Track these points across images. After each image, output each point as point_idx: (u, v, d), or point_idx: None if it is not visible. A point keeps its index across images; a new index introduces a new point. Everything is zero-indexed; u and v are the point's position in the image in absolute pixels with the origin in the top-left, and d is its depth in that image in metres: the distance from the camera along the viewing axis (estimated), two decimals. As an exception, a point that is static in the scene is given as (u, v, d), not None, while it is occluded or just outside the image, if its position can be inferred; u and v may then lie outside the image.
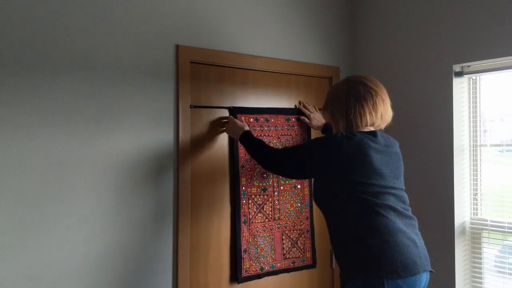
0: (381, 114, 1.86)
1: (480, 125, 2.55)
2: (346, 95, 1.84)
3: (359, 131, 1.83)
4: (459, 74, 2.54)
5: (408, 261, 1.65)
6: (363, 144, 1.75)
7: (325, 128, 2.51)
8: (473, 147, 2.57)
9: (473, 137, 2.57)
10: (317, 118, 2.59)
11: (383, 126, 1.92)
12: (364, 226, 1.72)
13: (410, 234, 1.74)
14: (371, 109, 1.82)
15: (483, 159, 2.55)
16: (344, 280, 1.77)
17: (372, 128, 1.89)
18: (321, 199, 1.91)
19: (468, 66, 2.53)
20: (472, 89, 2.58)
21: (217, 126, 2.42)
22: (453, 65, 2.53)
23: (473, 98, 2.57)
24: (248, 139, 2.18)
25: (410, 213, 1.84)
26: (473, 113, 2.57)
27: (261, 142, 2.12)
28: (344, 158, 1.75)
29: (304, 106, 2.66)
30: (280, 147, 2.59)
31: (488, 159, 2.53)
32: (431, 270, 1.77)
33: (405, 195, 1.86)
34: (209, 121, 2.40)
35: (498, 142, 2.52)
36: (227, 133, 2.39)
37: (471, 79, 2.58)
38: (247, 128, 2.27)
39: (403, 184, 1.89)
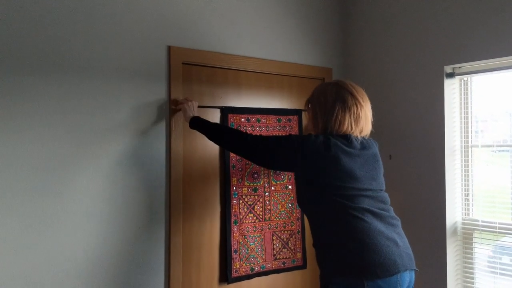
0: (362, 127, 1.88)
1: (471, 126, 2.55)
2: (333, 100, 1.85)
3: (332, 134, 1.85)
4: (451, 75, 2.55)
5: (387, 261, 1.65)
6: (336, 147, 1.77)
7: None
8: (464, 148, 2.57)
9: (464, 138, 2.57)
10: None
11: (359, 135, 1.91)
12: (341, 230, 1.73)
13: (390, 233, 1.74)
14: (352, 120, 1.85)
15: (475, 159, 2.55)
16: (325, 283, 1.78)
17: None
18: (301, 203, 1.93)
19: (459, 67, 2.54)
20: (464, 90, 2.58)
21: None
22: (445, 66, 2.54)
23: (464, 99, 2.58)
24: (201, 123, 2.10)
25: (391, 213, 1.84)
26: (464, 114, 2.57)
27: (220, 125, 2.16)
28: (315, 160, 1.78)
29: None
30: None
31: (480, 159, 2.53)
32: (415, 269, 1.76)
33: (384, 195, 1.86)
34: (200, 121, 2.40)
35: (489, 143, 2.52)
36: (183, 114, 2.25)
37: (462, 80, 2.58)
38: (194, 115, 2.18)
39: (382, 185, 1.88)
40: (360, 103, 1.87)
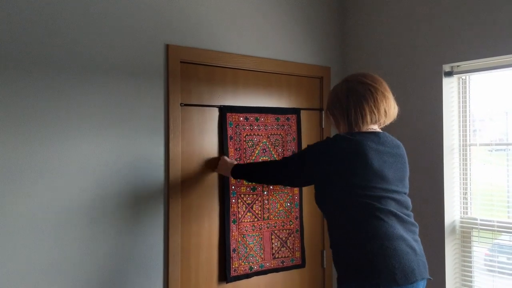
0: (384, 110, 1.78)
1: (469, 125, 2.56)
2: (346, 96, 1.78)
3: (360, 132, 1.77)
4: (449, 74, 2.55)
5: (407, 269, 1.60)
6: (362, 145, 1.68)
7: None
8: (463, 146, 2.57)
9: (462, 137, 2.57)
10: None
11: (388, 121, 1.84)
12: (363, 231, 1.65)
13: (410, 241, 1.68)
14: (373, 107, 1.75)
15: (473, 158, 2.55)
16: (339, 285, 1.72)
17: (376, 127, 1.82)
18: (321, 202, 1.83)
19: (457, 66, 2.54)
20: (462, 89, 2.59)
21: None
22: (443, 65, 2.54)
23: (462, 98, 2.58)
24: (240, 169, 2.20)
25: (411, 219, 1.77)
26: (462, 113, 2.58)
27: (252, 164, 2.17)
28: (340, 161, 1.69)
29: None
30: (269, 146, 2.59)
31: (478, 158, 2.53)
32: (429, 277, 1.72)
33: (408, 200, 1.79)
34: (199, 120, 2.39)
35: (487, 142, 2.52)
36: (218, 172, 2.39)
37: (461, 79, 2.59)
38: (235, 162, 2.32)
39: (407, 188, 1.81)
40: (373, 86, 1.77)
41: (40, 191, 1.90)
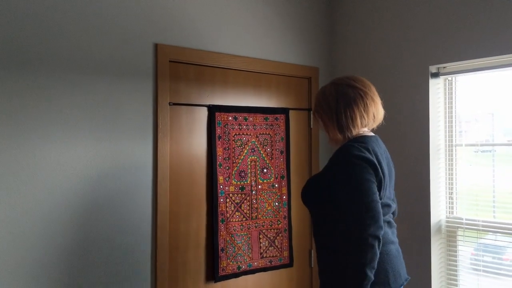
0: (373, 114, 1.76)
1: (455, 125, 2.59)
2: (335, 100, 1.72)
3: (365, 136, 1.73)
4: (435, 75, 2.58)
5: (396, 272, 1.62)
6: (376, 152, 1.65)
7: None
8: (448, 147, 2.60)
9: (448, 137, 2.60)
10: None
11: (375, 126, 1.83)
12: None
13: (397, 244, 1.70)
14: (362, 111, 1.72)
15: (459, 158, 2.59)
16: None
17: (366, 129, 1.79)
18: (321, 207, 1.72)
19: (444, 67, 2.57)
20: (448, 90, 2.62)
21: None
22: (430, 66, 2.57)
23: (448, 99, 2.61)
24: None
25: (394, 220, 1.77)
26: (448, 114, 2.61)
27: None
28: (371, 172, 1.60)
29: None
30: (258, 145, 2.60)
31: (464, 158, 2.57)
32: (409, 277, 1.74)
33: (394, 204, 1.77)
34: (188, 119, 2.39)
35: (473, 142, 2.55)
36: None
37: (447, 80, 2.62)
38: None
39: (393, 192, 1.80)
40: (363, 90, 1.74)
41: (21, 196, 1.89)
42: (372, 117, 1.76)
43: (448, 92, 2.62)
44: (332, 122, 1.74)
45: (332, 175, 1.65)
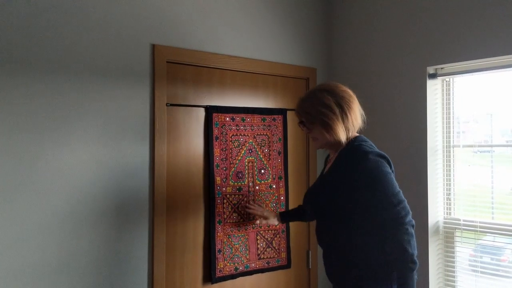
0: (362, 115, 1.87)
1: (453, 126, 2.59)
2: (337, 104, 1.78)
3: (367, 140, 1.83)
4: (433, 76, 2.57)
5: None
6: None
7: (284, 215, 2.39)
8: (446, 148, 2.60)
9: (446, 138, 2.60)
10: (269, 213, 2.39)
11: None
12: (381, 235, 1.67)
13: None
14: (358, 112, 1.84)
15: (456, 159, 2.58)
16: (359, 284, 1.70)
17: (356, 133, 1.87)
18: (343, 208, 1.74)
19: (441, 68, 2.57)
20: (446, 91, 2.62)
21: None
22: (427, 67, 2.56)
23: (446, 100, 2.61)
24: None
25: None
26: (446, 114, 2.61)
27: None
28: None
29: (252, 208, 2.45)
30: (256, 146, 2.59)
31: (462, 159, 2.56)
32: None
33: None
34: (186, 120, 2.39)
35: (471, 143, 2.55)
36: None
37: (445, 81, 2.62)
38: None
39: None
40: (352, 95, 1.85)
41: (21, 198, 1.88)
42: (361, 117, 1.86)
43: (446, 93, 2.61)
44: (338, 125, 1.77)
45: (350, 176, 1.70)
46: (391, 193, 1.65)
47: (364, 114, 1.87)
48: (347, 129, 1.79)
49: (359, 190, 1.68)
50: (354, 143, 1.78)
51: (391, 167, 1.73)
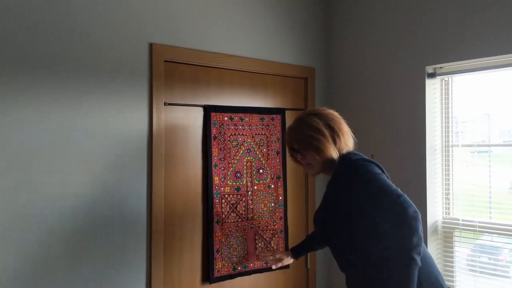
0: (352, 136, 1.87)
1: (452, 126, 2.58)
2: (327, 126, 1.78)
3: (349, 151, 1.82)
4: (432, 75, 2.57)
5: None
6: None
7: (296, 251, 2.27)
8: (445, 147, 2.59)
9: (445, 138, 2.59)
10: (282, 255, 2.28)
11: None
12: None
13: None
14: (348, 133, 1.84)
15: (455, 159, 2.58)
16: None
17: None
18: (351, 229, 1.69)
19: (440, 67, 2.56)
20: (444, 90, 2.61)
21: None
22: (426, 67, 2.56)
23: (445, 99, 2.61)
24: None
25: None
26: (445, 114, 2.60)
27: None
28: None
29: (263, 256, 2.34)
30: (254, 146, 2.58)
31: (460, 159, 2.56)
32: None
33: None
34: (184, 119, 2.38)
35: (470, 143, 2.55)
36: None
37: (444, 80, 2.61)
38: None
39: None
40: (339, 117, 1.86)
41: (16, 207, 1.87)
42: (352, 138, 1.86)
43: (445, 92, 2.61)
44: (328, 148, 1.76)
45: (346, 188, 1.70)
46: (387, 190, 1.58)
47: (354, 136, 1.87)
48: (339, 150, 1.78)
49: (356, 201, 1.66)
50: (342, 160, 1.77)
51: (382, 171, 1.71)
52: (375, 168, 1.67)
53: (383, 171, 1.71)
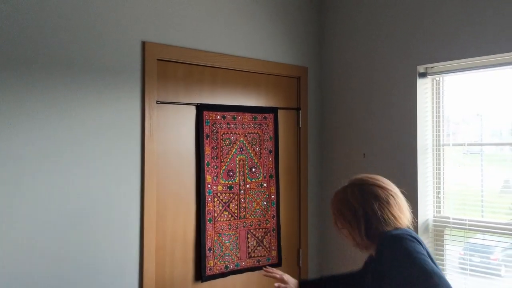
0: (407, 215, 1.67)
1: (443, 125, 2.60)
2: (360, 202, 1.59)
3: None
4: (423, 75, 2.59)
5: None
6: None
7: (304, 283, 2.19)
8: (436, 146, 2.61)
9: (436, 137, 2.61)
10: (289, 278, 2.14)
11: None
12: None
13: None
14: (398, 211, 1.62)
15: (447, 159, 2.60)
16: None
17: None
18: None
19: (431, 67, 2.58)
20: (436, 90, 2.63)
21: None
22: (417, 66, 2.58)
23: (436, 99, 2.62)
24: None
25: None
26: (436, 113, 2.62)
27: None
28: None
29: (270, 271, 2.20)
30: (247, 144, 2.59)
31: (451, 159, 2.58)
32: None
33: None
34: (176, 118, 2.38)
35: (460, 142, 2.56)
36: None
37: (435, 80, 2.63)
38: None
39: None
40: (391, 191, 1.63)
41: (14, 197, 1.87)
42: (406, 218, 1.62)
43: (436, 92, 2.63)
44: (358, 230, 1.58)
45: (390, 269, 1.49)
46: (427, 271, 1.40)
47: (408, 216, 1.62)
48: (373, 231, 1.55)
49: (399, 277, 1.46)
50: (382, 237, 1.54)
51: (425, 248, 1.51)
52: (416, 245, 1.48)
53: (422, 246, 1.51)
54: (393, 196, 1.60)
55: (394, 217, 1.56)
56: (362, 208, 1.57)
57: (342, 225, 1.64)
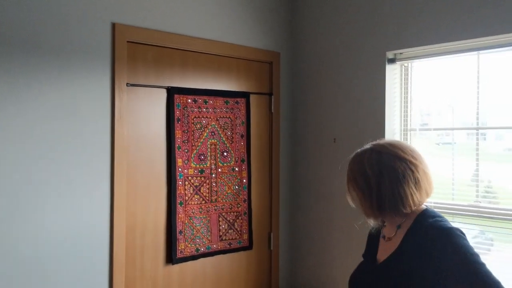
0: (426, 191, 1.46)
1: (411, 110, 2.66)
2: (376, 173, 1.43)
3: (428, 209, 1.46)
4: (392, 60, 2.63)
5: None
6: None
7: None
8: (403, 131, 2.67)
9: (403, 121, 2.67)
10: None
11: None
12: None
13: None
14: (414, 188, 1.43)
15: (414, 142, 2.65)
16: None
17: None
18: None
19: (400, 53, 2.63)
20: (404, 75, 2.68)
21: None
22: (387, 52, 2.62)
23: (404, 84, 2.68)
24: None
25: None
26: (404, 99, 2.67)
27: None
28: None
29: None
30: (218, 129, 2.59)
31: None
32: None
33: None
34: (146, 101, 2.36)
35: (427, 127, 2.62)
36: None
37: (403, 66, 2.68)
38: None
39: None
40: (413, 163, 1.41)
41: None
42: (425, 194, 1.42)
43: (404, 77, 2.68)
44: (368, 200, 1.43)
45: (436, 262, 1.30)
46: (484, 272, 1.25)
47: (427, 189, 1.41)
48: (381, 207, 1.39)
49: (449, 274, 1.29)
50: (427, 220, 1.37)
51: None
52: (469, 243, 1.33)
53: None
54: (411, 170, 1.40)
55: (410, 194, 1.38)
56: (375, 178, 1.41)
57: (353, 188, 1.49)
